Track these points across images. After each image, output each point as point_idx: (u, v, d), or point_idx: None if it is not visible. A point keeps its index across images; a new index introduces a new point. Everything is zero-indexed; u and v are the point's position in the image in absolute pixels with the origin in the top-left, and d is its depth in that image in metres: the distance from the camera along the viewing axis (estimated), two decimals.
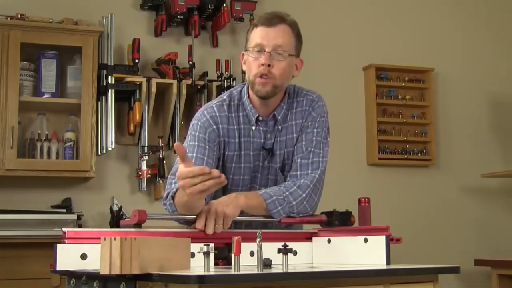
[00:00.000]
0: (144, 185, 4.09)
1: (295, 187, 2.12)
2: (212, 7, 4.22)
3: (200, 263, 1.58)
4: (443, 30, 5.07)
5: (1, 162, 3.63)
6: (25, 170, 3.69)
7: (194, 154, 2.12)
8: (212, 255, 1.68)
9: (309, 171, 2.16)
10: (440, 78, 4.99)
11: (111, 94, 3.92)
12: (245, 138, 2.20)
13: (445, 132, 4.96)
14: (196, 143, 2.15)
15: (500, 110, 5.14)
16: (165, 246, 1.59)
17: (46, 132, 3.84)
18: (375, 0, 4.94)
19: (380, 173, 4.75)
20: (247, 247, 1.86)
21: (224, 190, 2.20)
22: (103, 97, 3.93)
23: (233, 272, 1.53)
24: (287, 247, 1.56)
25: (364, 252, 1.86)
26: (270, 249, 1.71)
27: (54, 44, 3.84)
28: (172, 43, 4.30)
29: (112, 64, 3.98)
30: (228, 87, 4.04)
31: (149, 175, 4.06)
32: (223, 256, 1.89)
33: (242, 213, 2.03)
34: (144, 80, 3.98)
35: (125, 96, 4.03)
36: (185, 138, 2.28)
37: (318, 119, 2.22)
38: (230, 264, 1.82)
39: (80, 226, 3.67)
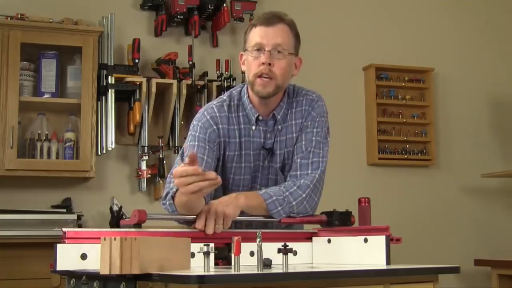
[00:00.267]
0: (144, 185, 4.09)
1: (295, 187, 2.12)
2: (212, 7, 4.22)
3: (200, 263, 1.58)
4: (443, 30, 5.07)
5: (1, 162, 3.63)
6: (25, 170, 3.69)
7: None
8: (212, 255, 1.68)
9: (309, 171, 2.16)
10: (440, 78, 4.99)
11: (111, 94, 3.92)
12: (246, 138, 2.20)
13: (445, 132, 4.96)
14: (196, 143, 2.15)
15: (500, 110, 5.14)
16: (165, 246, 1.59)
17: (46, 132, 3.84)
18: (375, 0, 4.94)
19: (380, 173, 4.75)
20: (247, 247, 1.86)
21: (225, 190, 2.21)
22: (103, 97, 3.93)
23: (233, 272, 1.53)
24: (287, 247, 1.56)
25: (364, 252, 1.86)
26: (270, 249, 1.71)
27: (54, 44, 3.84)
28: (172, 43, 4.30)
29: (112, 64, 3.98)
30: (228, 87, 4.04)
31: (149, 175, 4.06)
32: (223, 256, 1.89)
33: (242, 213, 2.03)
34: (144, 80, 3.98)
35: (125, 96, 4.03)
36: (185, 138, 2.28)
37: (318, 119, 2.22)
38: (230, 264, 1.82)
39: (80, 226, 3.67)
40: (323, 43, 4.65)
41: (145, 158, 4.05)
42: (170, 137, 4.15)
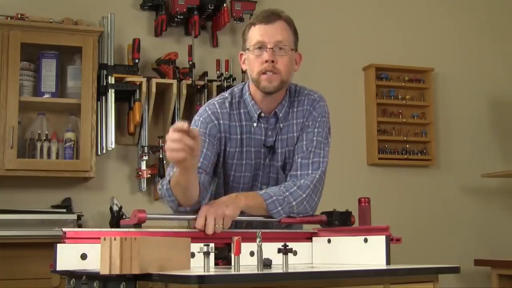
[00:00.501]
0: (144, 185, 4.09)
1: (295, 187, 2.12)
2: (212, 7, 4.22)
3: (200, 263, 1.58)
4: (443, 30, 5.07)
5: (1, 162, 3.63)
6: (25, 170, 3.69)
7: None
8: (212, 255, 1.68)
9: (310, 171, 2.16)
10: (440, 78, 4.99)
11: (111, 94, 3.92)
12: (247, 135, 2.21)
13: (445, 132, 4.96)
14: None
15: (500, 110, 5.14)
16: (165, 246, 1.59)
17: (46, 132, 3.84)
18: (375, 0, 4.94)
19: (380, 173, 4.75)
20: (247, 247, 1.86)
21: (225, 187, 2.21)
22: (103, 97, 3.93)
23: (233, 272, 1.53)
24: (287, 247, 1.56)
25: (364, 252, 1.86)
26: (270, 249, 1.71)
27: (54, 44, 3.84)
28: (172, 43, 4.30)
29: (112, 64, 3.98)
30: (228, 87, 4.03)
31: (149, 175, 4.06)
32: (223, 256, 1.89)
33: (242, 213, 2.03)
34: (144, 80, 3.98)
35: (125, 96, 4.03)
36: None
37: (319, 119, 2.22)
38: (230, 264, 1.82)
39: (80, 226, 3.67)
40: (323, 43, 4.65)
41: (145, 158, 4.05)
42: None
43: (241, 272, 1.51)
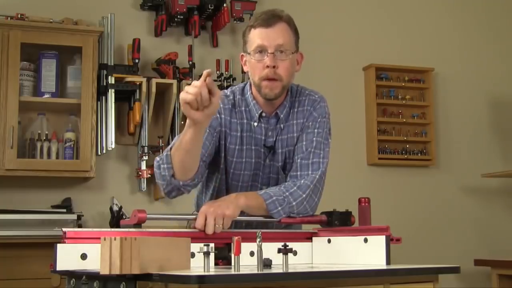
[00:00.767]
0: (144, 185, 4.09)
1: (295, 188, 2.12)
2: (212, 7, 4.22)
3: (200, 263, 1.58)
4: (443, 30, 5.07)
5: (1, 162, 3.63)
6: (25, 170, 3.69)
7: None
8: (212, 255, 1.68)
9: (309, 172, 2.16)
10: (440, 78, 4.99)
11: (111, 94, 3.92)
12: (247, 133, 2.21)
13: (445, 132, 4.96)
14: None
15: (500, 110, 5.14)
16: (165, 246, 1.59)
17: (46, 132, 3.84)
18: (375, 0, 4.94)
19: (380, 173, 4.75)
20: (247, 247, 1.86)
21: (226, 184, 2.21)
22: (103, 97, 3.93)
23: (233, 272, 1.53)
24: (287, 247, 1.56)
25: (364, 252, 1.86)
26: (270, 249, 1.71)
27: (54, 44, 3.84)
28: (172, 43, 4.30)
29: (112, 64, 3.98)
30: (228, 87, 4.03)
31: (149, 175, 4.05)
32: (223, 256, 1.89)
33: (242, 213, 2.03)
34: (144, 80, 3.98)
35: (125, 96, 4.03)
36: None
37: (319, 120, 2.22)
38: (230, 264, 1.82)
39: (80, 226, 3.67)
40: (323, 43, 4.64)
41: (145, 158, 4.05)
42: (170, 137, 4.15)
43: (241, 272, 1.51)
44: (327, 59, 4.67)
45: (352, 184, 4.52)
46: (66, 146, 3.85)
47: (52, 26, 3.85)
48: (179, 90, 4.05)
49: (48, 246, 1.80)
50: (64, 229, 1.71)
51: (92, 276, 1.58)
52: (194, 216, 1.92)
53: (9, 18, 3.79)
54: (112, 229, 1.80)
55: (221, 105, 2.19)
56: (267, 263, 1.68)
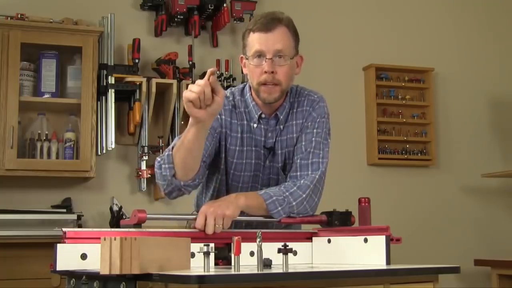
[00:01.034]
0: (144, 185, 4.09)
1: (295, 188, 2.11)
2: (212, 7, 4.22)
3: (200, 263, 1.58)
4: (442, 30, 5.07)
5: (1, 162, 3.63)
6: (25, 170, 3.69)
7: None
8: (212, 255, 1.68)
9: (309, 172, 2.15)
10: (440, 78, 5.00)
11: (111, 94, 3.92)
12: (247, 134, 2.21)
13: (445, 132, 4.96)
14: None
15: (500, 110, 5.14)
16: (165, 246, 1.59)
17: (46, 132, 3.84)
18: (375, 1, 4.94)
19: (380, 173, 4.75)
20: (247, 247, 1.86)
21: (226, 185, 2.21)
22: (103, 97, 3.93)
23: (233, 272, 1.53)
24: (287, 247, 1.56)
25: (364, 252, 1.86)
26: (270, 249, 1.71)
27: (54, 44, 3.84)
28: (172, 43, 4.30)
29: (112, 64, 3.98)
30: (228, 87, 4.04)
31: (149, 175, 4.05)
32: (223, 256, 1.89)
33: (242, 213, 2.03)
34: (144, 80, 3.98)
35: (125, 96, 4.03)
36: None
37: (318, 120, 2.22)
38: (230, 264, 1.82)
39: (80, 226, 3.67)
40: (323, 43, 4.65)
41: (145, 158, 4.05)
42: (170, 137, 4.15)
43: (241, 272, 1.51)
44: (327, 59, 4.67)
45: (352, 184, 4.52)
46: (66, 146, 3.85)
47: (52, 26, 3.85)
48: (179, 90, 4.06)
49: (48, 246, 1.80)
50: (64, 229, 1.71)
51: (92, 276, 1.58)
52: (194, 216, 1.92)
53: (9, 18, 3.80)
54: (112, 229, 1.80)
55: (222, 106, 2.19)
56: (267, 263, 1.68)
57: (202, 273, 1.43)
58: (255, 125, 2.20)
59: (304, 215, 2.12)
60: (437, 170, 4.90)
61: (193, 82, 4.12)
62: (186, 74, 4.14)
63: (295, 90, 2.27)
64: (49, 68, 3.86)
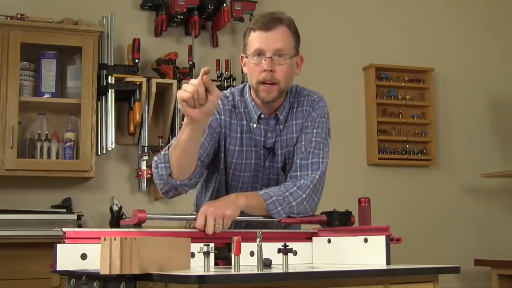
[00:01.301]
0: (144, 185, 4.09)
1: (295, 188, 2.11)
2: (212, 7, 4.22)
3: (200, 263, 1.58)
4: (443, 30, 5.07)
5: (1, 162, 3.63)
6: (25, 170, 3.69)
7: None
8: (212, 255, 1.68)
9: (309, 172, 2.15)
10: (440, 78, 5.00)
11: (111, 94, 3.92)
12: (247, 135, 2.21)
13: (445, 132, 4.96)
14: None
15: (500, 110, 5.14)
16: (165, 246, 1.59)
17: (46, 132, 3.84)
18: (375, 1, 4.94)
19: (380, 173, 4.75)
20: (247, 247, 1.86)
21: (226, 185, 2.21)
22: (103, 97, 3.94)
23: (233, 272, 1.53)
24: (287, 247, 1.56)
25: (364, 252, 1.86)
26: (270, 249, 1.71)
27: (54, 44, 3.84)
28: (172, 43, 4.30)
29: (112, 64, 3.98)
30: (228, 87, 4.04)
31: (149, 175, 4.05)
32: (223, 256, 1.89)
33: (242, 213, 2.03)
34: (144, 80, 3.98)
35: (125, 96, 4.03)
36: None
37: (318, 120, 2.22)
38: (230, 264, 1.82)
39: (80, 226, 3.68)
40: (323, 43, 4.65)
41: (145, 158, 4.05)
42: (170, 137, 4.15)
43: (241, 272, 1.51)
44: (327, 59, 4.67)
45: (352, 184, 4.52)
46: (66, 146, 3.85)
47: (52, 26, 3.85)
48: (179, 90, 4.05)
49: (48, 246, 1.80)
50: (64, 229, 1.71)
51: (92, 276, 1.58)
52: (194, 216, 1.92)
53: (9, 18, 3.80)
54: (112, 229, 1.80)
55: (221, 106, 2.19)
56: (267, 263, 1.68)
57: (202, 273, 1.43)
58: (254, 125, 2.21)
59: (304, 215, 2.12)
60: (437, 170, 4.90)
61: None
62: (186, 74, 4.14)
63: (295, 90, 2.27)
64: (49, 68, 3.86)
